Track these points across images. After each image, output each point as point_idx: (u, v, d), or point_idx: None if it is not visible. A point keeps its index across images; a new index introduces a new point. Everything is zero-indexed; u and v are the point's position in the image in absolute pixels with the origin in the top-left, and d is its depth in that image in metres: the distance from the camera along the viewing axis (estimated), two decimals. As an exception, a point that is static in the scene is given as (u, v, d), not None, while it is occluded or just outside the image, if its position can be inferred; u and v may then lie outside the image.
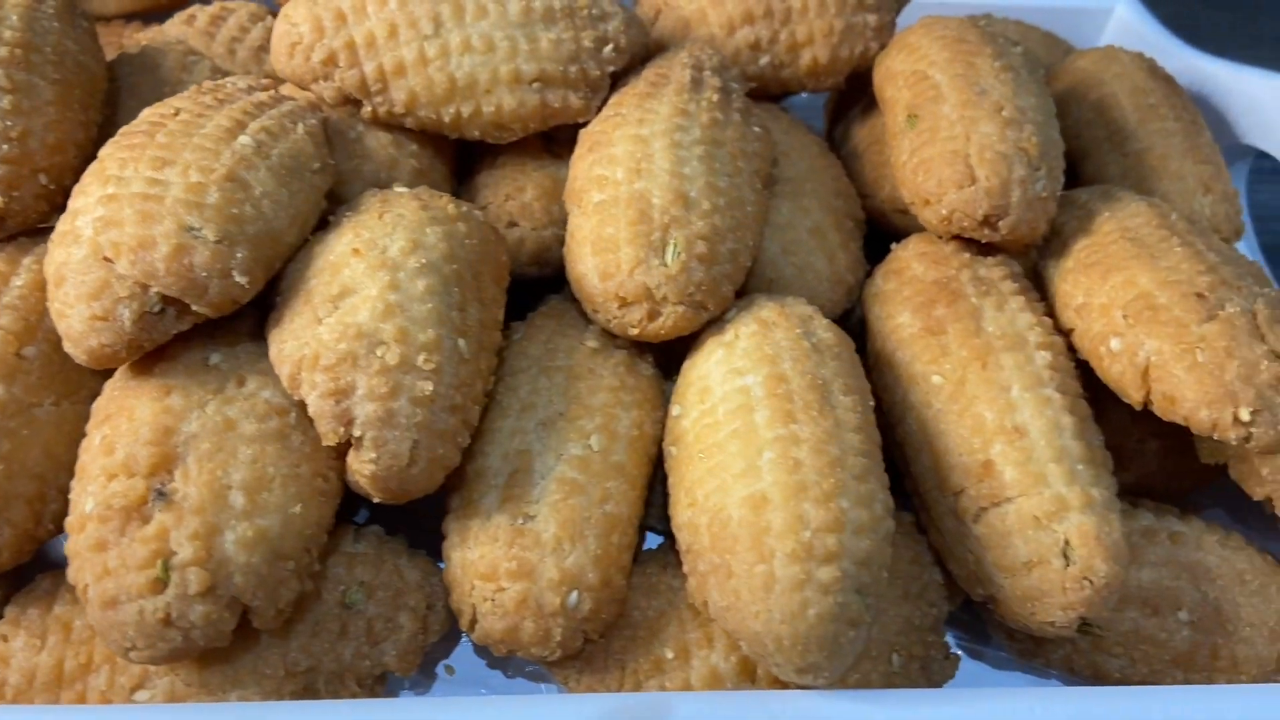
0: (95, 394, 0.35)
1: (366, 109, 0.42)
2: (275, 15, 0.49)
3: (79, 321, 0.32)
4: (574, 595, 0.34)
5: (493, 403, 0.37)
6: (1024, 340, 0.38)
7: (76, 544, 0.31)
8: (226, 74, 0.46)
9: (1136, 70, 0.49)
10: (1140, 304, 0.36)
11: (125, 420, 0.32)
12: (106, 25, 0.53)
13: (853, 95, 0.52)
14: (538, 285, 0.44)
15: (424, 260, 0.35)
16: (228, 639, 0.31)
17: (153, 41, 0.46)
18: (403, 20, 0.40)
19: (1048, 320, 0.39)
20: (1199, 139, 0.47)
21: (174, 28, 0.47)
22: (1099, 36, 0.62)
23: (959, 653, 0.38)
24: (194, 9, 0.48)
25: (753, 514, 0.32)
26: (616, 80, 0.44)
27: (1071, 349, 0.39)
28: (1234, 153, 0.53)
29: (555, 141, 0.45)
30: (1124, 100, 0.48)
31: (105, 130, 0.42)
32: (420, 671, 0.37)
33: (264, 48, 0.47)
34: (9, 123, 0.37)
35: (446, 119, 0.42)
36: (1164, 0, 0.87)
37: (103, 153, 0.36)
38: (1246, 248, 0.55)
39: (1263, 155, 0.53)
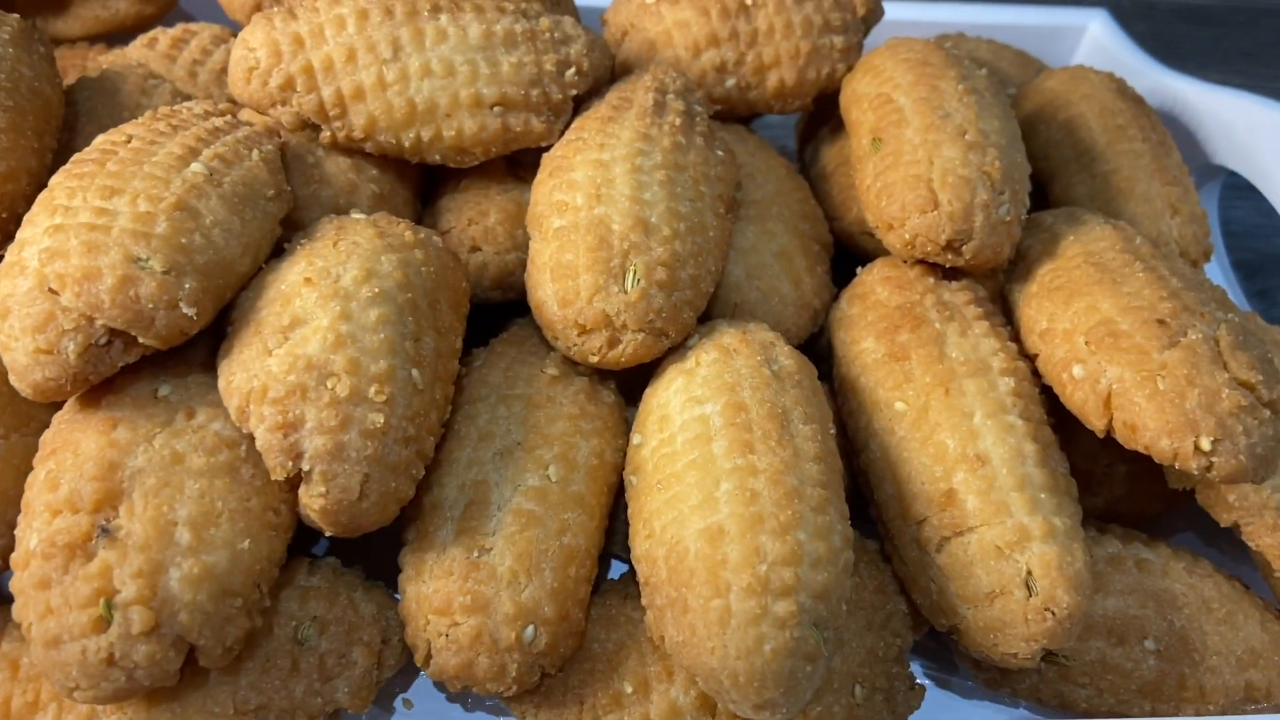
0: (46, 426, 0.35)
1: (325, 134, 0.41)
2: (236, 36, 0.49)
3: (24, 355, 0.31)
4: (530, 629, 0.33)
5: (450, 432, 0.37)
6: (987, 366, 0.37)
7: (21, 581, 0.30)
8: (187, 98, 0.46)
9: (1105, 91, 0.49)
10: (1102, 330, 0.36)
11: (70, 455, 0.32)
12: (70, 48, 0.53)
13: (822, 116, 0.51)
14: (502, 309, 0.44)
15: (377, 289, 0.34)
16: (174, 678, 0.30)
17: (113, 65, 0.46)
18: (361, 45, 0.40)
19: (1012, 346, 0.39)
20: (1167, 160, 0.47)
21: (136, 51, 0.47)
22: (1073, 55, 0.62)
23: (925, 682, 0.37)
24: (156, 32, 0.48)
25: (709, 547, 0.31)
26: (580, 103, 0.44)
27: (1036, 374, 0.39)
28: (1206, 173, 0.53)
29: (519, 165, 0.45)
30: (1092, 121, 0.48)
31: (61, 156, 0.41)
32: (378, 705, 0.37)
33: (226, 70, 0.47)
34: (-42, 150, 0.36)
35: (407, 143, 0.41)
36: (1140, 17, 0.87)
37: (53, 181, 0.35)
38: (1218, 265, 0.55)
39: (1234, 174, 0.53)
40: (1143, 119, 0.48)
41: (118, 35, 0.53)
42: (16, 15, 0.42)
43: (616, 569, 0.42)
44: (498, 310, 0.44)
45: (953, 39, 0.58)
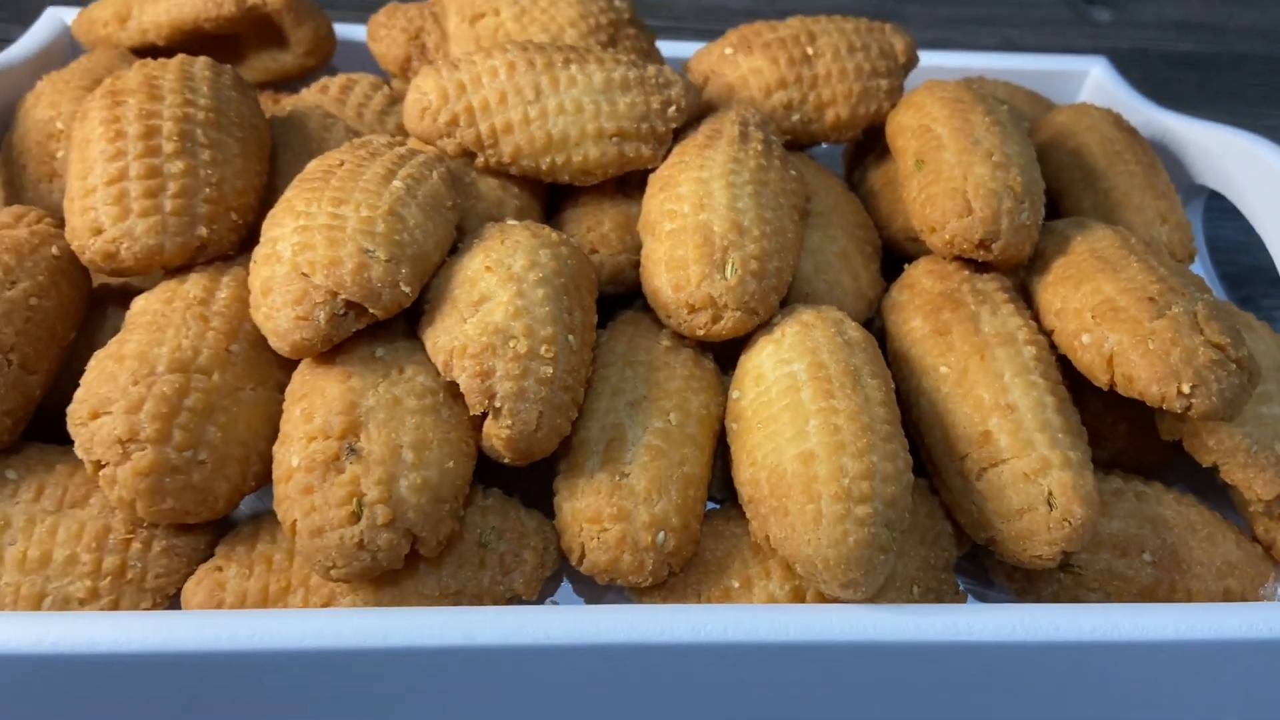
0: (280, 383, 0.44)
1: (479, 160, 0.52)
2: (390, 85, 0.60)
3: (285, 321, 0.41)
4: (661, 535, 0.43)
5: (590, 389, 0.46)
6: (1014, 338, 0.47)
7: (286, 490, 0.40)
8: (357, 133, 0.56)
9: (1105, 123, 0.59)
10: (1105, 307, 0.46)
11: (319, 397, 0.41)
12: (246, 92, 0.64)
13: (868, 145, 0.62)
14: (612, 301, 0.54)
15: (540, 274, 0.44)
16: (402, 563, 0.40)
17: (296, 107, 0.56)
18: (511, 90, 0.51)
19: (1033, 323, 0.48)
20: (1157, 179, 0.57)
21: (311, 95, 0.57)
22: (1077, 94, 0.72)
23: (966, 592, 0.47)
24: (325, 80, 0.58)
25: (803, 466, 0.41)
26: (678, 134, 0.54)
27: (1053, 347, 0.48)
28: (1190, 191, 0.63)
29: (626, 184, 0.55)
30: (1094, 148, 0.58)
31: (271, 177, 0.52)
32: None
33: (384, 111, 0.57)
34: (208, 172, 0.46)
35: (544, 167, 0.52)
36: (1135, 62, 0.98)
37: (288, 195, 0.46)
38: (1205, 274, 0.65)
39: (1216, 194, 0.63)
40: (1136, 146, 0.58)
41: (285, 83, 0.64)
42: (228, 65, 0.53)
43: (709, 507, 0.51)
44: (606, 303, 0.54)
45: (977, 81, 0.69)
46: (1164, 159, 0.62)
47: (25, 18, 0.84)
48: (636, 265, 0.52)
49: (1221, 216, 0.73)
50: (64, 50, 0.63)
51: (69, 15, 0.63)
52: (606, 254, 0.53)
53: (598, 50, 0.54)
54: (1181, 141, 0.62)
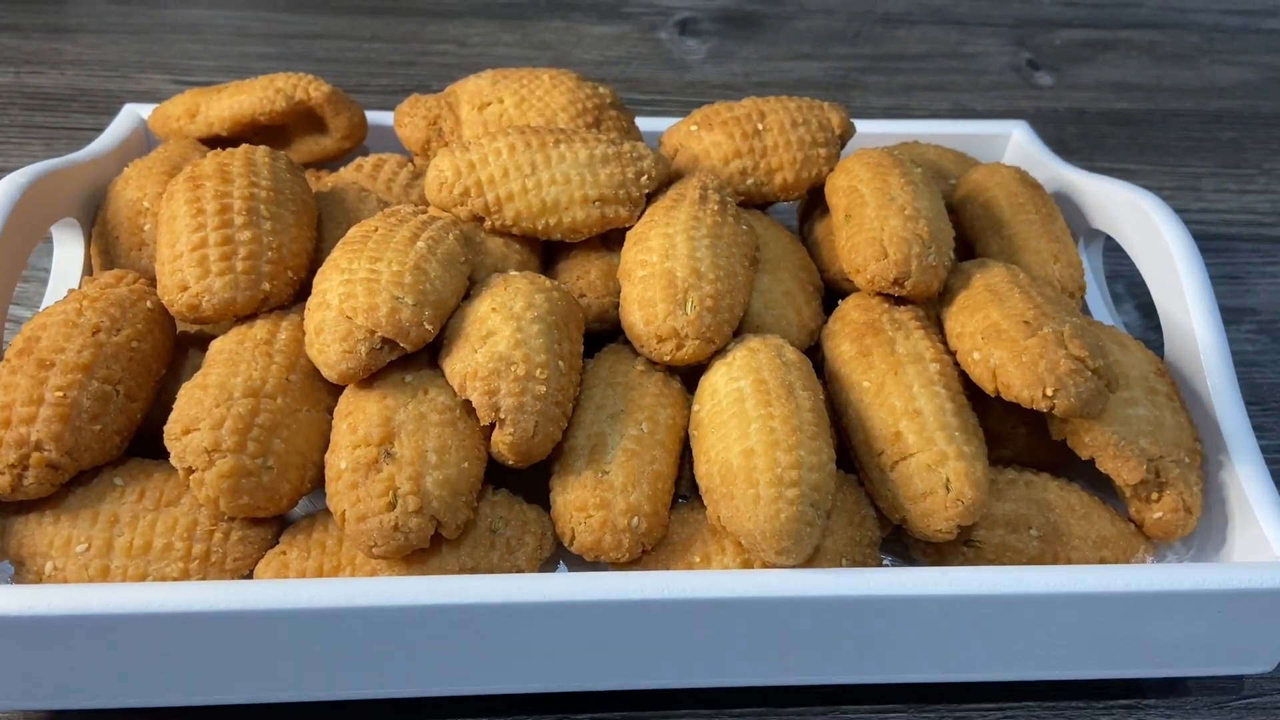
0: (329, 405, 0.55)
1: (487, 223, 0.63)
2: (413, 162, 0.72)
3: (334, 355, 0.52)
4: (635, 519, 0.53)
5: (578, 405, 0.57)
6: (922, 357, 0.58)
7: (336, 487, 0.51)
8: (387, 204, 0.68)
9: (1011, 180, 0.70)
10: (991, 330, 0.56)
11: (361, 414, 0.52)
12: (290, 171, 0.76)
13: (813, 202, 0.73)
14: (599, 337, 0.65)
15: (536, 314, 0.55)
16: (428, 543, 0.50)
17: (336, 184, 0.68)
18: (512, 165, 0.62)
19: (940, 345, 0.59)
20: (1053, 225, 0.68)
21: (348, 173, 0.69)
22: (1003, 152, 0.84)
23: (890, 565, 0.56)
24: (359, 160, 0.70)
25: (745, 460, 0.51)
26: (650, 198, 0.65)
27: (956, 364, 0.59)
28: (1089, 236, 0.74)
29: (608, 240, 0.66)
30: (1001, 201, 0.69)
31: (319, 242, 0.64)
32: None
33: (409, 185, 0.69)
34: (270, 239, 0.58)
35: (539, 228, 0.63)
36: (1072, 121, 1.09)
37: (333, 255, 0.57)
38: (1105, 306, 0.75)
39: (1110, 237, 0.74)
40: (1037, 199, 0.69)
41: (325, 163, 0.76)
42: (282, 152, 0.65)
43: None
44: (593, 339, 0.65)
45: (910, 145, 0.80)
46: (1066, 208, 0.73)
47: (95, 108, 0.98)
48: (617, 306, 0.63)
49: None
50: (141, 141, 0.75)
51: (143, 110, 0.76)
52: (593, 297, 0.64)
53: (583, 131, 0.65)
54: (1080, 192, 0.73)
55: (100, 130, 0.75)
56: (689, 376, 0.60)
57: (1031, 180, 0.71)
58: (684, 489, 0.59)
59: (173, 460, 0.51)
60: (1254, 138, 1.08)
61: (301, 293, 0.59)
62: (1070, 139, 1.06)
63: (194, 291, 0.55)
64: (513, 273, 0.60)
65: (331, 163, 0.76)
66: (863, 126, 0.80)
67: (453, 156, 0.63)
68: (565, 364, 0.55)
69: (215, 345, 0.56)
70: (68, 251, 0.69)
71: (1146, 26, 1.27)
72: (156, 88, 1.03)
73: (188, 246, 0.56)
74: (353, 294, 0.53)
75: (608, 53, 1.16)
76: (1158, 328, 0.68)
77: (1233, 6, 1.33)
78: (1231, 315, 0.84)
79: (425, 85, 1.08)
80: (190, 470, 0.51)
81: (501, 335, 0.54)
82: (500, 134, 0.63)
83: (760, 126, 0.69)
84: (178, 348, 0.60)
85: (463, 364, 0.53)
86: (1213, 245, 0.92)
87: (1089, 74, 1.17)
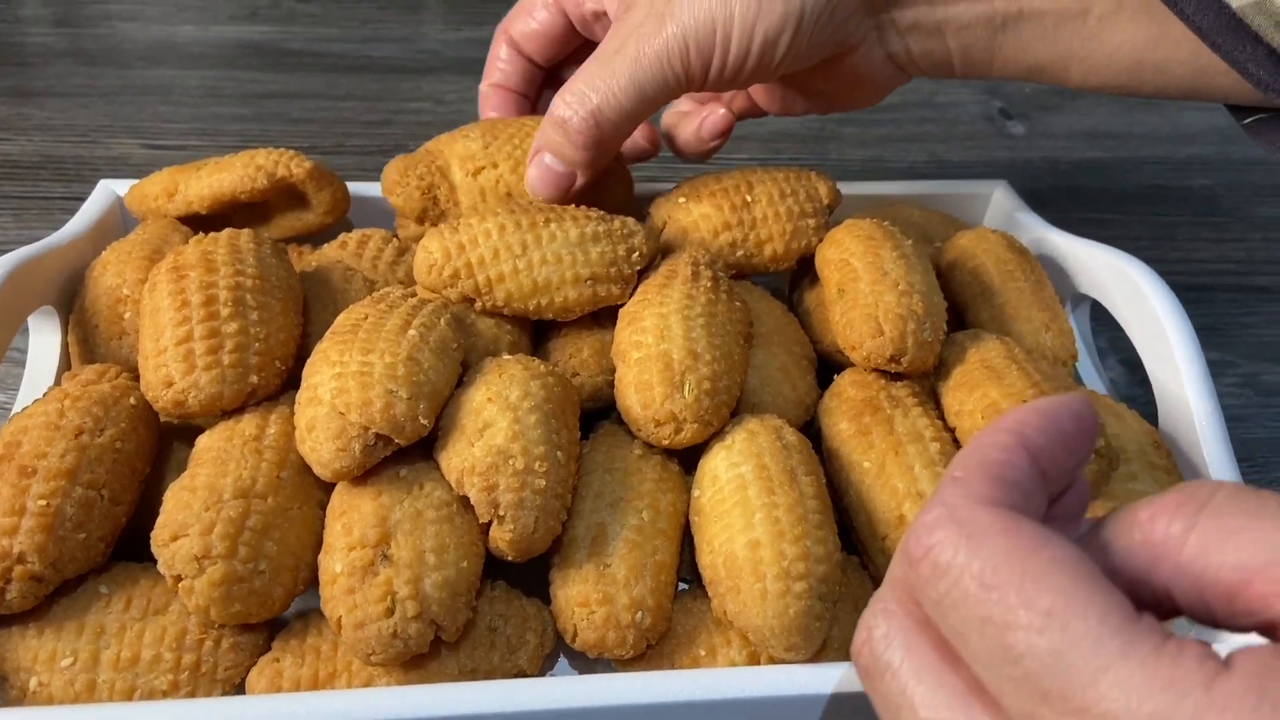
0: (321, 501, 0.54)
1: (478, 304, 0.62)
2: (398, 237, 0.71)
3: (327, 453, 0.51)
4: (639, 614, 0.52)
5: (576, 493, 0.56)
6: (922, 436, 0.57)
7: (331, 592, 0.49)
8: (373, 283, 0.67)
9: (999, 245, 0.71)
10: (991, 410, 0.56)
11: (355, 513, 0.51)
12: (271, 246, 0.74)
13: (803, 272, 0.73)
14: (593, 415, 0.64)
15: (532, 403, 0.54)
16: (428, 648, 0.49)
17: (320, 262, 0.67)
18: (502, 246, 0.61)
19: (939, 422, 0.59)
20: (1043, 293, 0.68)
21: (333, 251, 0.68)
22: (985, 212, 0.84)
23: (897, 650, 0.56)
24: (344, 236, 0.69)
25: (751, 552, 0.50)
26: (642, 274, 0.65)
27: (956, 441, 0.59)
28: (1075, 300, 0.75)
29: (600, 316, 0.66)
30: (990, 268, 0.69)
31: (305, 325, 0.62)
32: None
33: (394, 262, 0.68)
34: (257, 329, 0.56)
35: (531, 308, 0.62)
36: (1048, 171, 1.11)
37: (323, 346, 0.56)
38: (1102, 367, 0.76)
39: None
40: (1025, 265, 0.70)
41: (308, 237, 0.75)
42: (267, 236, 0.64)
43: (681, 588, 0.61)
44: (587, 417, 0.64)
45: (894, 206, 0.81)
46: (1052, 270, 0.74)
47: (66, 176, 0.96)
48: (611, 385, 0.62)
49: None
50: (117, 219, 0.73)
51: (118, 186, 0.74)
52: (586, 376, 0.63)
53: (573, 208, 0.65)
54: (1065, 255, 0.73)
55: (72, 199, 0.74)
56: (687, 456, 0.59)
57: (1019, 245, 0.72)
58: (684, 572, 0.58)
59: (161, 568, 0.50)
60: (1225, 184, 1.10)
61: (290, 381, 0.58)
62: (1045, 190, 1.07)
63: (179, 387, 0.54)
64: (506, 357, 0.59)
65: (314, 238, 0.75)
66: (845, 189, 0.80)
67: (442, 238, 0.62)
68: (563, 454, 0.54)
69: (202, 442, 0.54)
70: (44, 340, 0.67)
71: (1114, 73, 1.29)
72: (128, 153, 1.01)
73: (172, 340, 0.55)
74: (345, 388, 0.52)
75: (585, 108, 1.15)
76: (1144, 382, 0.68)
77: (1195, 51, 1.36)
78: (1214, 368, 0.84)
79: (403, 145, 1.07)
80: (179, 578, 0.49)
81: (498, 427, 0.53)
82: (489, 214, 0.63)
83: (749, 198, 0.68)
84: (162, 440, 0.59)
85: (459, 459, 0.52)
86: (1191, 296, 0.92)
87: (1060, 122, 1.19)
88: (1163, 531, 0.26)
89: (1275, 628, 0.25)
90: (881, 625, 0.29)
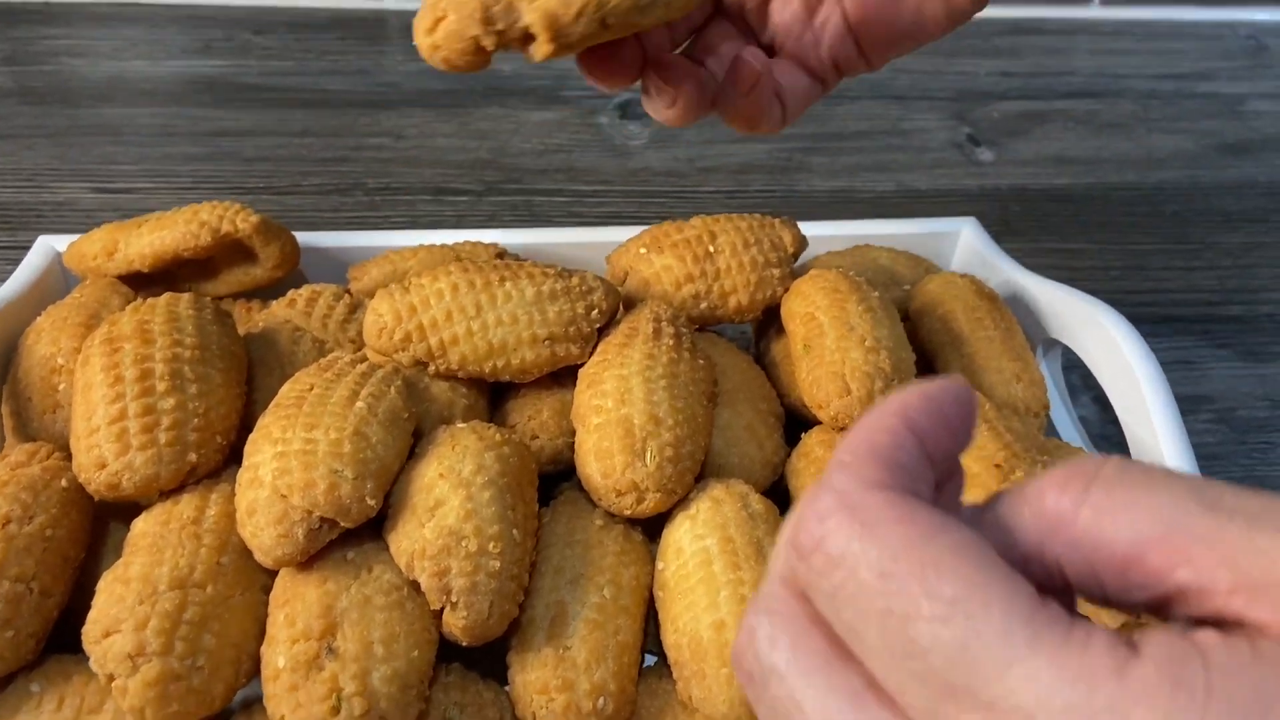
0: (264, 585, 0.51)
1: (431, 368, 0.60)
2: (350, 293, 0.68)
3: (269, 539, 0.48)
4: (601, 699, 0.50)
5: (534, 569, 0.54)
6: (892, 499, 0.56)
7: (274, 688, 0.47)
8: (323, 342, 0.64)
9: (968, 291, 0.69)
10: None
11: (299, 602, 0.48)
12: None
13: (769, 322, 0.71)
14: (553, 478, 0.62)
15: (486, 478, 0.52)
16: (377, 745, 0.47)
17: (267, 322, 0.64)
18: (455, 308, 0.59)
19: (909, 483, 0.57)
20: (1013, 341, 0.66)
21: (280, 309, 0.65)
22: (953, 251, 0.83)
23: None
24: (293, 293, 0.67)
25: (716, 634, 0.48)
26: (602, 331, 0.63)
27: (927, 502, 0.57)
28: (1046, 345, 0.73)
29: (559, 376, 0.64)
30: (959, 315, 0.68)
31: (250, 392, 0.60)
32: (494, 767, 0.53)
33: (346, 320, 0.65)
34: (196, 404, 0.54)
35: (487, 370, 0.60)
36: (1015, 199, 1.10)
37: (265, 421, 0.53)
38: (1066, 412, 0.74)
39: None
40: (995, 312, 0.68)
41: (255, 292, 0.72)
42: (208, 297, 0.61)
43: (647, 660, 0.58)
44: (550, 479, 0.62)
45: (862, 249, 0.79)
46: (1023, 315, 0.72)
47: (10, 224, 0.92)
48: (571, 447, 0.60)
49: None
50: (57, 278, 0.70)
51: (58, 243, 0.71)
52: (545, 439, 0.61)
53: (529, 265, 0.63)
54: (1036, 300, 0.72)
55: (14, 248, 0.71)
56: (652, 523, 0.57)
57: (988, 291, 0.70)
58: (650, 645, 0.56)
59: (93, 666, 0.47)
60: (1195, 209, 1.09)
61: (233, 455, 0.55)
62: (1014, 218, 1.06)
63: (113, 469, 0.51)
64: (460, 425, 0.56)
65: (260, 290, 0.72)
66: (811, 230, 0.78)
67: (392, 299, 0.59)
68: (519, 531, 0.52)
69: (137, 527, 0.52)
70: (-25, 410, 0.64)
71: (1082, 95, 1.29)
72: (75, 197, 0.98)
73: (105, 420, 0.52)
74: (287, 469, 0.49)
75: (548, 140, 1.14)
76: (1115, 421, 0.67)
77: (1164, 71, 1.35)
78: (1187, 405, 0.83)
79: (361, 183, 1.05)
80: (112, 677, 0.46)
81: (450, 506, 0.50)
82: (442, 273, 0.60)
83: (712, 249, 0.66)
84: (97, 520, 0.56)
85: (409, 540, 0.50)
86: (1163, 329, 0.92)
87: (1028, 148, 1.18)
88: (1053, 506, 0.25)
89: (1169, 602, 0.24)
90: (765, 625, 0.27)
